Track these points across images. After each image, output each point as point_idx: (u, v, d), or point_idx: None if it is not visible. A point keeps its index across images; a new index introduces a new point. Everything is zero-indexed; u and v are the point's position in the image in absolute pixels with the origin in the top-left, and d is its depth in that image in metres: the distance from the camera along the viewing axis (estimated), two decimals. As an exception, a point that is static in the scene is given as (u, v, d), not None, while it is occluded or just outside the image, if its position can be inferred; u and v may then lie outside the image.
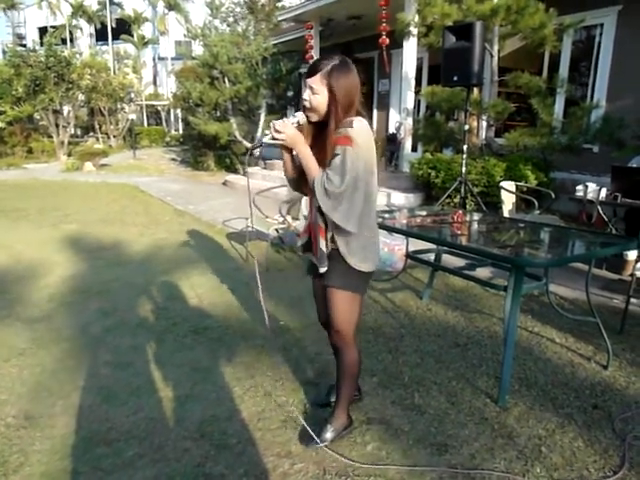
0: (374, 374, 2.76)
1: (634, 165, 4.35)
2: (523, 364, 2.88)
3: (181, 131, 20.44)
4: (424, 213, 3.94)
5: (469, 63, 4.96)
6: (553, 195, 4.63)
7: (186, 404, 2.46)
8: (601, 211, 4.02)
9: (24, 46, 20.21)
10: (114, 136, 18.36)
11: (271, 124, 1.91)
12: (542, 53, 7.49)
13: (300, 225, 4.52)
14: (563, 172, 6.86)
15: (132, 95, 19.24)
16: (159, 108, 24.69)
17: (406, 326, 3.44)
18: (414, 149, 8.87)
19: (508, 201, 4.79)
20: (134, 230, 6.33)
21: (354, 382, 2.24)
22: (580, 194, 4.20)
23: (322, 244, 1.99)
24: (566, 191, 5.70)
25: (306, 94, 1.91)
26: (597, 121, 6.16)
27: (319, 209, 1.92)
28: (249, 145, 11.36)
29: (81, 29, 30.24)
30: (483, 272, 4.00)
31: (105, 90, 16.75)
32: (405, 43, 7.70)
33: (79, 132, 21.22)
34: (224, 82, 11.03)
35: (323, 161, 1.89)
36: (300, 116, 1.95)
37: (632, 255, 4.10)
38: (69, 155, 14.88)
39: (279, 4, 19.23)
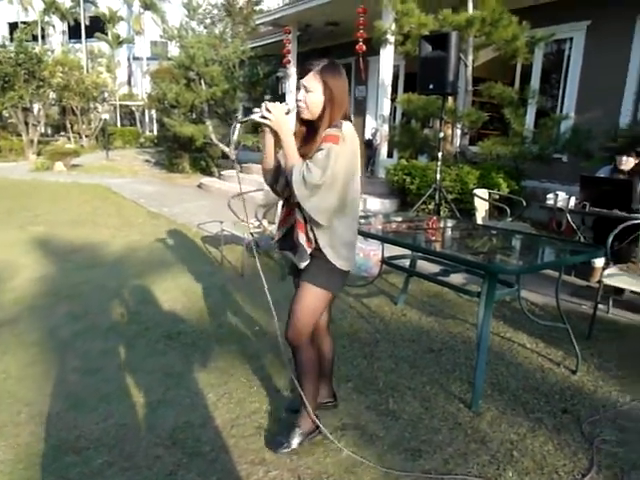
0: (349, 379, 2.76)
1: (601, 175, 4.49)
2: (495, 369, 2.93)
3: (156, 132, 20.16)
4: (400, 219, 3.98)
5: (444, 72, 5.05)
6: (525, 203, 4.73)
7: (158, 410, 2.41)
8: (570, 219, 4.12)
9: (-7, 41, 19.61)
10: (86, 136, 17.98)
11: (263, 103, 1.90)
12: (514, 64, 7.69)
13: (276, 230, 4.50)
14: (534, 180, 7.03)
15: (106, 95, 18.89)
16: (133, 108, 24.32)
17: (381, 331, 3.45)
18: (390, 155, 8.96)
19: (481, 208, 4.88)
20: (106, 232, 6.20)
21: (313, 382, 2.17)
22: (550, 202, 4.31)
23: (302, 239, 1.98)
24: (537, 199, 5.84)
25: (300, 94, 1.93)
26: (566, 132, 6.33)
27: (298, 204, 1.92)
28: (225, 148, 11.31)
29: (53, 26, 29.58)
30: (457, 278, 4.05)
31: (77, 89, 16.42)
32: (382, 51, 7.78)
33: (49, 131, 20.72)
34: (200, 84, 10.94)
35: (305, 157, 1.90)
36: (292, 106, 1.96)
37: (599, 262, 4.22)
38: (39, 154, 14.50)
39: (257, 8, 19.22)
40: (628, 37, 6.67)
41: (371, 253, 4.71)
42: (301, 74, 1.94)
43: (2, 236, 5.84)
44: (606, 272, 3.38)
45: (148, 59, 25.92)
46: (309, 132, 2.00)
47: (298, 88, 1.96)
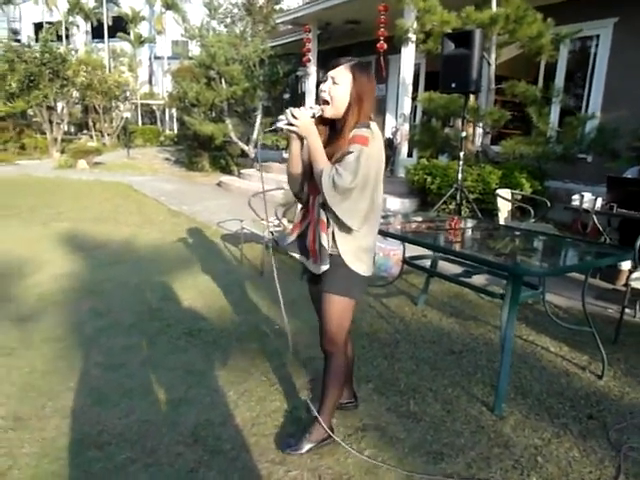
0: (369, 380, 2.74)
1: (629, 176, 4.38)
2: (518, 372, 2.88)
3: (175, 131, 20.36)
4: (421, 219, 3.94)
5: (468, 70, 4.98)
6: (549, 204, 4.64)
7: (180, 407, 2.42)
8: (596, 221, 4.03)
9: (18, 41, 20.03)
10: (108, 134, 18.25)
11: (288, 110, 1.86)
12: (537, 62, 7.55)
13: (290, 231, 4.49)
14: (557, 181, 6.90)
15: (127, 94, 19.14)
16: (154, 107, 24.61)
17: (401, 332, 3.43)
18: (409, 154, 8.89)
19: (504, 209, 4.80)
20: (127, 229, 6.27)
21: (340, 390, 2.17)
22: (576, 203, 4.22)
23: (324, 239, 1.93)
24: (559, 200, 5.72)
25: (325, 85, 1.88)
26: (592, 131, 6.20)
27: (322, 204, 1.90)
28: (245, 147, 11.36)
29: (77, 26, 30.08)
30: (478, 279, 4.00)
31: (100, 88, 16.66)
32: (403, 49, 7.72)
33: (72, 129, 21.09)
34: (221, 83, 11.00)
35: (330, 158, 1.87)
36: (317, 109, 1.91)
37: (626, 265, 4.12)
38: (62, 152, 14.76)
39: (277, 7, 19.25)
40: (657, 34, 6.50)
41: (391, 253, 4.68)
42: (331, 67, 1.89)
43: (26, 232, 5.96)
44: (634, 275, 3.30)
45: (169, 58, 26.18)
46: (332, 132, 1.95)
47: (323, 81, 1.90)
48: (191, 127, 11.48)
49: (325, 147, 1.91)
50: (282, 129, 1.88)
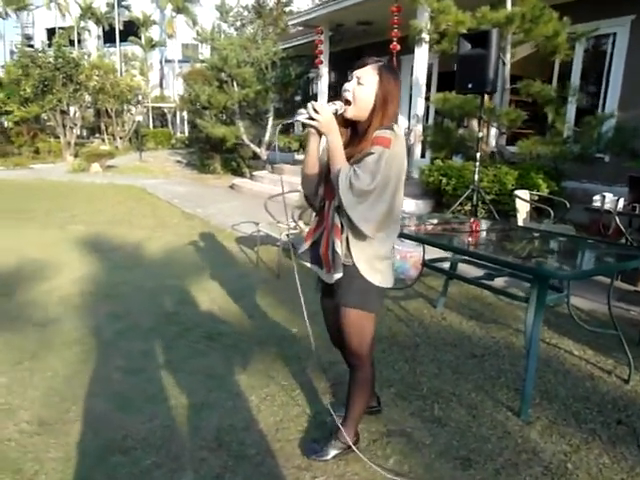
0: (391, 384, 2.71)
1: (651, 175, 4.31)
2: (543, 376, 2.83)
3: (187, 134, 20.47)
4: (439, 221, 3.90)
5: (485, 70, 4.94)
6: (568, 205, 4.58)
7: (202, 412, 2.41)
8: (619, 222, 3.97)
9: (32, 47, 20.28)
10: (120, 138, 18.38)
11: (309, 104, 1.77)
12: (551, 61, 7.47)
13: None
14: (574, 181, 6.81)
15: (140, 97, 19.27)
16: (165, 110, 24.75)
17: (421, 335, 3.39)
18: (422, 155, 8.84)
19: (522, 210, 4.75)
20: (142, 232, 6.30)
21: (366, 400, 2.12)
22: (598, 204, 4.15)
23: (337, 246, 1.84)
24: (577, 200, 5.64)
25: (349, 85, 1.81)
26: (609, 130, 6.11)
27: (337, 208, 1.82)
28: (257, 149, 11.37)
29: (89, 31, 30.39)
30: (497, 281, 3.95)
31: (112, 92, 16.79)
32: (417, 50, 7.68)
33: (85, 133, 21.27)
34: (233, 85, 11.03)
35: (349, 160, 1.79)
36: (339, 105, 1.82)
37: (646, 267, 4.05)
38: (75, 156, 14.89)
39: (287, 9, 19.30)
40: (676, 31, 6.40)
41: (407, 255, 4.65)
42: (356, 66, 1.82)
43: (43, 235, 6.01)
44: (659, 277, 3.23)
45: (180, 61, 26.36)
46: (353, 134, 1.88)
47: (348, 80, 1.83)
48: (203, 130, 11.52)
49: (345, 149, 1.83)
50: (302, 123, 1.79)
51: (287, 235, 4.57)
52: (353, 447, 2.06)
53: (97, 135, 20.22)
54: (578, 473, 2.05)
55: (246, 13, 18.89)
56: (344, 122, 1.87)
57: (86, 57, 17.03)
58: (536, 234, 3.45)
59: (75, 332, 3.32)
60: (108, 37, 29.12)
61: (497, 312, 3.84)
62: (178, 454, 2.10)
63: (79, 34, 29.33)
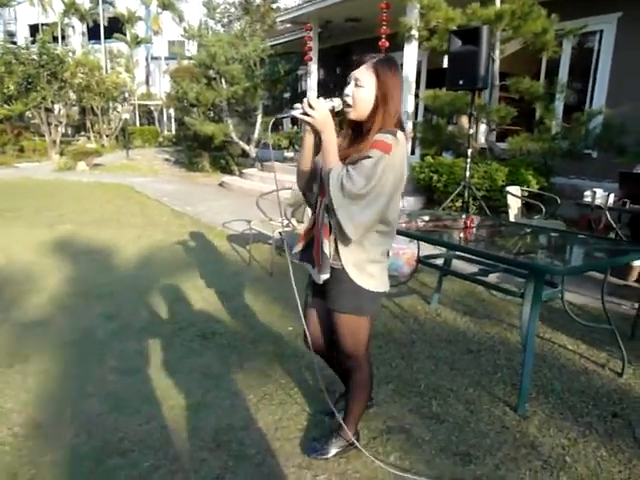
0: (389, 381, 2.71)
1: (639, 171, 4.36)
2: (538, 371, 2.85)
3: (174, 131, 20.28)
4: (432, 217, 3.91)
5: (476, 67, 4.95)
6: (559, 200, 4.62)
7: (199, 412, 2.39)
8: (609, 217, 4.01)
9: (15, 43, 19.91)
10: (107, 136, 18.15)
11: (305, 98, 1.73)
12: (539, 58, 7.52)
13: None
14: (562, 177, 6.88)
15: (126, 94, 19.05)
16: (152, 108, 24.49)
17: (416, 331, 3.40)
18: (412, 152, 8.86)
19: (514, 206, 4.78)
20: (132, 231, 6.23)
21: (366, 399, 2.11)
22: (588, 200, 4.20)
23: (325, 246, 1.79)
24: (565, 196, 5.69)
25: (348, 88, 1.76)
26: (597, 127, 6.18)
27: (327, 208, 1.77)
28: (246, 147, 11.31)
29: (73, 27, 29.92)
30: (489, 277, 3.97)
31: (98, 89, 16.56)
32: (406, 47, 7.69)
33: (70, 131, 20.97)
34: (221, 83, 10.95)
35: (344, 160, 1.73)
36: (337, 102, 1.77)
37: (637, 262, 4.11)
38: (61, 154, 14.68)
39: (274, 5, 19.20)
40: (661, 28, 6.48)
41: (400, 252, 4.65)
42: (354, 66, 1.77)
43: (31, 235, 5.90)
44: (651, 271, 3.28)
45: (166, 59, 26.08)
46: (354, 135, 1.83)
47: (348, 82, 1.78)
48: (191, 127, 11.42)
49: (347, 149, 1.79)
50: (292, 118, 1.76)
51: (280, 233, 4.55)
52: (357, 444, 2.05)
53: (83, 133, 19.92)
54: (577, 466, 2.07)
55: (233, 10, 18.74)
56: (349, 121, 1.83)
57: (71, 54, 16.74)
58: (528, 230, 3.47)
59: (67, 333, 3.27)
60: (93, 34, 28.67)
61: (490, 308, 3.86)
62: (177, 455, 2.08)
63: (63, 30, 28.84)
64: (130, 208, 7.95)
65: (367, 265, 1.81)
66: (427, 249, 3.87)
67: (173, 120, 21.46)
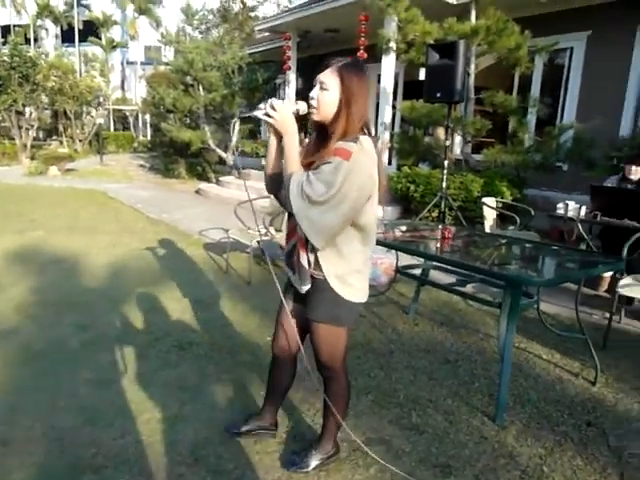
0: (368, 392, 2.71)
1: (609, 184, 4.49)
2: (514, 380, 2.88)
3: (149, 137, 20.01)
4: (409, 227, 3.94)
5: (452, 80, 5.05)
6: (532, 212, 4.72)
7: (176, 426, 2.34)
8: (581, 229, 4.12)
9: (-15, 44, 19.40)
10: (80, 140, 17.79)
11: (270, 100, 1.73)
12: (512, 73, 7.72)
13: (283, 237, 4.45)
14: (534, 189, 7.04)
15: (100, 99, 18.73)
16: (127, 113, 24.15)
17: (395, 342, 3.41)
18: (389, 162, 8.95)
19: (490, 217, 4.86)
20: (106, 238, 6.10)
21: (344, 410, 2.07)
22: (561, 212, 4.30)
23: (303, 259, 1.80)
24: (537, 207, 5.81)
25: (313, 91, 1.75)
26: (568, 141, 6.36)
27: (289, 215, 1.75)
28: (223, 154, 11.24)
29: (47, 29, 29.32)
30: (466, 287, 4.02)
31: (71, 93, 16.24)
32: (384, 58, 7.78)
33: (41, 135, 20.48)
34: (198, 89, 10.87)
35: (309, 167, 1.71)
36: (302, 105, 1.77)
37: (608, 273, 4.21)
38: (32, 158, 14.31)
39: (253, 14, 19.21)
40: (629, 47, 6.72)
41: (378, 261, 4.67)
42: (319, 69, 1.76)
43: (0, 241, 5.72)
44: (622, 282, 3.37)
45: (142, 64, 25.80)
46: (320, 139, 1.80)
47: (313, 85, 1.77)
48: (167, 133, 11.30)
49: (310, 154, 1.78)
50: (258, 117, 1.74)
51: (258, 242, 4.52)
52: (362, 444, 2.01)
53: (55, 137, 19.48)
54: (554, 476, 2.10)
55: (211, 17, 18.69)
56: (315, 124, 1.82)
57: (44, 56, 16.40)
58: (504, 241, 3.53)
59: (38, 343, 3.17)
60: (67, 37, 28.15)
61: (467, 318, 3.90)
62: (153, 471, 2.02)
63: (36, 33, 28.24)
64: (104, 215, 7.79)
65: (348, 276, 1.81)
66: (405, 259, 3.89)
67: (149, 126, 21.18)
